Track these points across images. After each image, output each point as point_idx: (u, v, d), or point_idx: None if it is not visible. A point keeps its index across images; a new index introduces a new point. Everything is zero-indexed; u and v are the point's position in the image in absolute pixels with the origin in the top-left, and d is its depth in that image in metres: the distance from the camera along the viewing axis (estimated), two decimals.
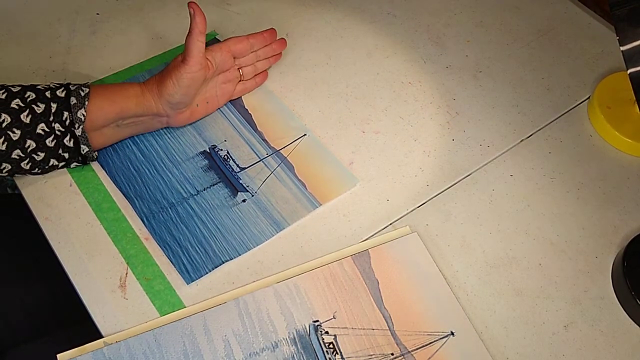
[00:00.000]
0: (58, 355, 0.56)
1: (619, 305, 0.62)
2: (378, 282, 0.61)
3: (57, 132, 0.61)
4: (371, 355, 0.57)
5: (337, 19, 0.85)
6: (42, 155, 0.62)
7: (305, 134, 0.72)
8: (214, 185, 0.67)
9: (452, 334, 0.59)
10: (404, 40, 0.83)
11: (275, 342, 0.57)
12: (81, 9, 0.83)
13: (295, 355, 0.57)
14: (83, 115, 0.61)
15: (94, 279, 0.60)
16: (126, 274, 0.61)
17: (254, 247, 0.63)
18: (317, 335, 0.58)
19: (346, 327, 0.59)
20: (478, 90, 0.78)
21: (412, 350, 0.58)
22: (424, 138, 0.73)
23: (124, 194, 0.66)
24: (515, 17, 0.86)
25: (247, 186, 0.68)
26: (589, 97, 0.78)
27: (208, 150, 0.70)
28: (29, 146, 0.60)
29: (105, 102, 0.63)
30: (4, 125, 0.59)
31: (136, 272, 0.61)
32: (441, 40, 0.83)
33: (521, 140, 0.74)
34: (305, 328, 0.58)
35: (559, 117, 0.76)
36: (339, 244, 0.64)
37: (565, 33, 0.85)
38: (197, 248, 0.63)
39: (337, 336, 0.58)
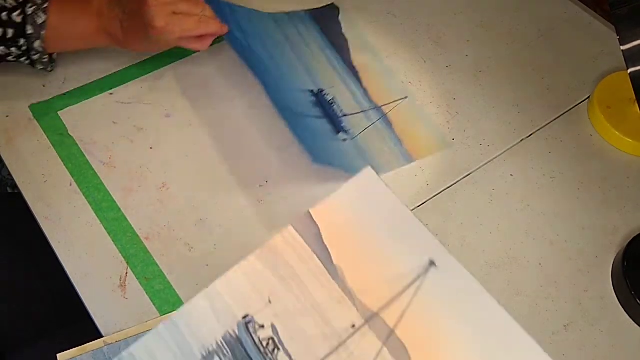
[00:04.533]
0: (58, 355, 0.56)
1: (619, 305, 0.62)
2: (322, 237, 0.48)
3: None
4: (325, 334, 0.45)
5: None
6: None
7: (406, 97, 0.75)
8: (319, 118, 0.71)
9: (433, 263, 0.46)
10: (404, 40, 0.83)
11: None
12: None
13: None
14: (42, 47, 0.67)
15: (94, 278, 0.60)
16: (126, 273, 0.61)
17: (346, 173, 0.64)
18: (249, 333, 0.46)
19: (287, 309, 0.46)
20: (478, 90, 0.78)
21: (378, 311, 0.45)
22: None
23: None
24: (515, 17, 0.86)
25: (348, 130, 0.71)
26: (589, 97, 0.78)
27: (316, 92, 0.73)
28: None
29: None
30: None
31: (136, 272, 0.61)
32: (441, 40, 0.83)
33: (521, 140, 0.74)
34: (233, 331, 0.46)
35: (559, 117, 0.76)
36: None
37: (565, 33, 0.85)
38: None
39: (276, 326, 0.45)
